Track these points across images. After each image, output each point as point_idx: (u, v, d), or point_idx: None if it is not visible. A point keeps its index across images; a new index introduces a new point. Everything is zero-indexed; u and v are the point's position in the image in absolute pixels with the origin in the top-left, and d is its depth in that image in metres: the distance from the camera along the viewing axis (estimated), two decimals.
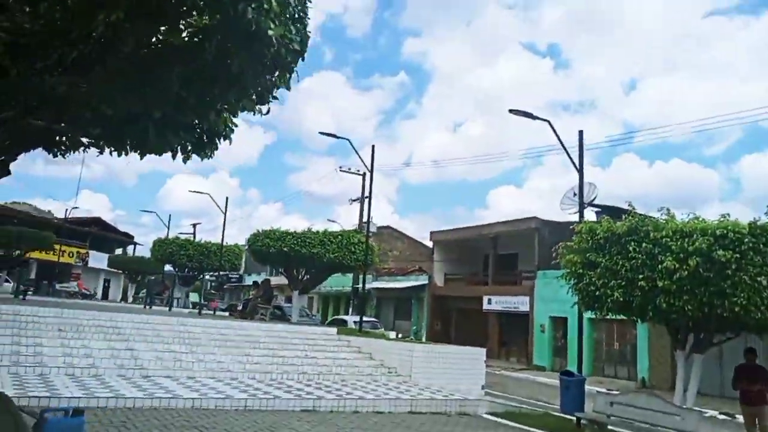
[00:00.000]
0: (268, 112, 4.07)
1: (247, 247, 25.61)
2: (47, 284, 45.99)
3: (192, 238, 42.40)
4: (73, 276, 54.43)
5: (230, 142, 4.36)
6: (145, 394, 9.33)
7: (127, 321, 14.55)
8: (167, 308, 25.86)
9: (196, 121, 3.72)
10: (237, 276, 57.38)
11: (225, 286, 59.65)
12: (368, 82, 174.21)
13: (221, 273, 54.15)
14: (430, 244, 38.25)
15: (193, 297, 33.08)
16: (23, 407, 4.56)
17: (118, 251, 62.19)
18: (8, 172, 4.74)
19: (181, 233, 47.30)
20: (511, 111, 15.52)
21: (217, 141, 4.23)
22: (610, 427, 9.93)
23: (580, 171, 14.84)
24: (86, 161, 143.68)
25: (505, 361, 28.64)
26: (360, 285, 23.25)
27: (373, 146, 21.43)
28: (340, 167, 35.58)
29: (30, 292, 40.95)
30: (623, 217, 10.82)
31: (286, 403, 10.26)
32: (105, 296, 57.94)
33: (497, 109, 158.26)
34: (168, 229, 39.89)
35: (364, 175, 32.63)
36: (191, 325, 15.61)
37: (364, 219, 28.06)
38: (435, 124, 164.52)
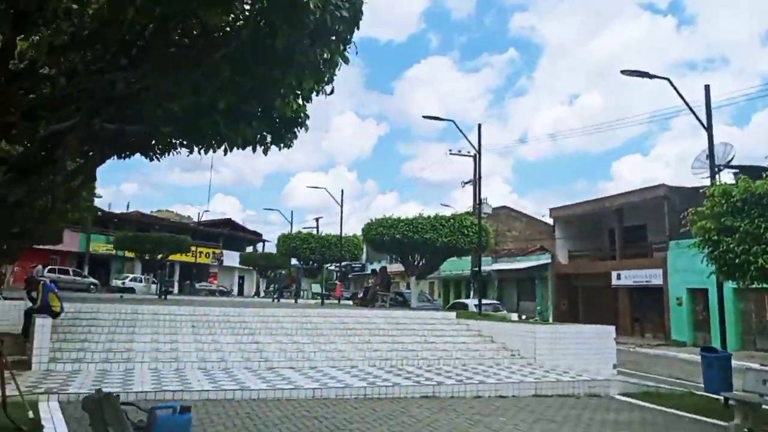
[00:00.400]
0: (332, 92, 3.91)
1: (362, 237, 26.04)
2: (189, 284, 49.92)
3: (315, 232, 44.09)
4: (211, 275, 58.63)
5: (306, 129, 4.27)
6: (268, 386, 9.67)
7: (254, 315, 15.23)
8: (294, 300, 26.93)
9: (265, 110, 3.63)
10: (360, 265, 58.86)
11: (349, 276, 61.38)
12: (475, 63, 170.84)
13: (344, 263, 56.02)
14: (550, 221, 36.84)
15: (317, 288, 34.32)
16: (137, 403, 4.80)
17: (249, 249, 66.03)
18: (94, 178, 4.99)
19: (305, 228, 49.35)
20: (623, 72, 14.37)
21: (296, 130, 4.15)
22: (765, 407, 8.86)
23: (709, 129, 13.41)
24: (216, 166, 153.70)
25: (639, 338, 26.98)
26: (478, 268, 22.81)
27: (479, 125, 20.89)
28: (450, 151, 35.23)
29: (171, 292, 44.75)
30: (764, 176, 9.60)
31: (405, 389, 10.22)
32: (240, 292, 61.89)
33: (614, 77, 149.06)
34: (291, 224, 41.75)
35: (474, 156, 32.01)
36: (313, 315, 16.06)
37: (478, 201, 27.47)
38: (548, 99, 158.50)
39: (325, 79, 3.52)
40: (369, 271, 54.13)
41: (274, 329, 14.24)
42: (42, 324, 10.53)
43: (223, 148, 4.23)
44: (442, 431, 7.85)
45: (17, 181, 3.64)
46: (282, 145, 4.21)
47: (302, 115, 4.01)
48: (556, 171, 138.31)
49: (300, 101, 3.50)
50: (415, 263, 22.94)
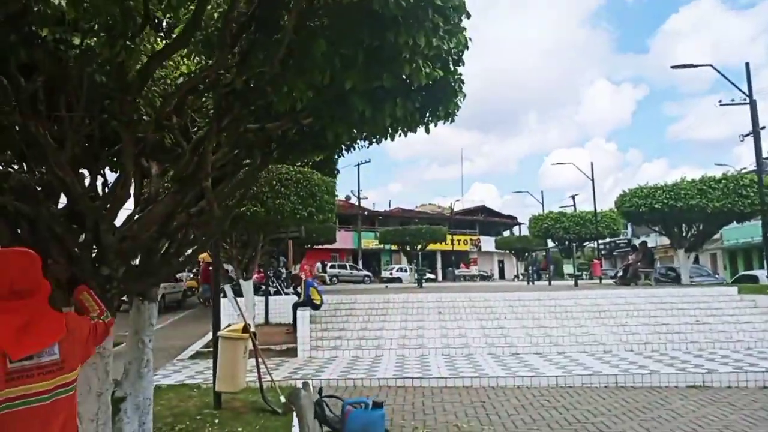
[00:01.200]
0: (465, 46, 3.40)
1: (615, 209, 23.87)
2: (450, 270, 51.81)
3: (573, 210, 42.11)
4: (472, 260, 60.03)
5: (464, 97, 3.81)
6: (507, 373, 9.30)
7: (500, 300, 14.93)
8: (548, 283, 25.96)
9: (402, 84, 3.30)
10: (626, 240, 54.55)
11: (615, 253, 57.31)
12: None
13: (608, 240, 52.41)
14: None
15: (569, 269, 32.59)
16: (337, 397, 4.88)
17: (506, 233, 66.00)
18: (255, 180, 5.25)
19: (562, 207, 47.46)
20: None
21: (455, 100, 3.74)
22: None
23: None
24: (471, 157, 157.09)
25: None
26: (765, 232, 19.12)
27: (747, 64, 17.55)
28: (720, 102, 30.30)
29: (434, 279, 46.82)
30: None
31: (666, 378, 8.96)
32: (501, 276, 62.23)
33: None
34: (543, 205, 40.58)
35: (751, 103, 27.05)
36: (563, 298, 15.13)
37: (763, 155, 23.12)
38: None
39: (444, 36, 3.06)
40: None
41: (520, 313, 13.77)
42: (302, 316, 11.71)
43: (399, 133, 4.02)
44: (710, 430, 6.61)
45: (179, 192, 3.86)
46: (442, 119, 3.83)
47: (453, 79, 3.57)
48: None
49: (430, 65, 3.09)
50: (683, 234, 20.19)
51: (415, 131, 4.01)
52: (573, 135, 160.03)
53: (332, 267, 45.73)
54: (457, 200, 63.35)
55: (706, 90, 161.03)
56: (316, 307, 13.35)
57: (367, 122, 3.55)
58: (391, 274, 44.96)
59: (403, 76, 3.25)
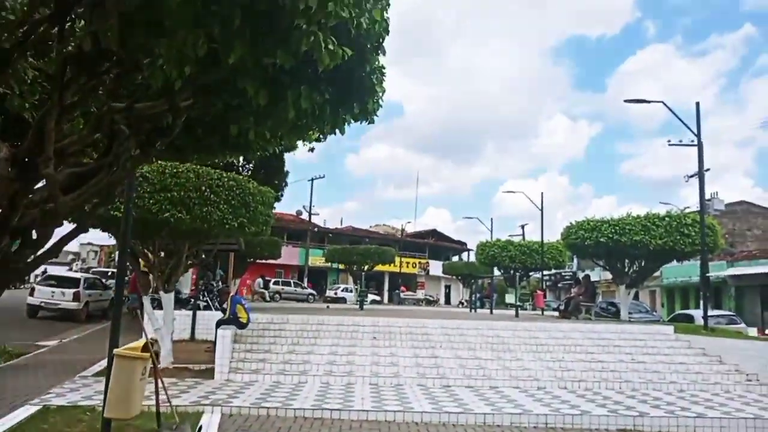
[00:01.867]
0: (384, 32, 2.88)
1: (561, 241, 23.86)
2: (396, 293, 51.33)
3: (522, 239, 42.25)
4: (419, 285, 59.77)
5: (383, 92, 3.31)
6: (434, 408, 8.73)
7: (438, 327, 14.43)
8: (489, 311, 25.71)
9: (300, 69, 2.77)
10: (570, 273, 55.25)
11: (559, 285, 58.05)
12: (702, 46, 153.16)
13: (554, 272, 52.93)
14: None
15: (511, 298, 32.53)
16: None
17: (455, 259, 66.11)
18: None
19: (511, 235, 47.71)
20: None
21: (375, 97, 3.23)
22: None
23: None
24: (428, 181, 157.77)
25: None
26: (704, 273, 19.33)
27: (697, 104, 17.80)
28: (668, 141, 30.99)
29: (379, 302, 46.18)
30: None
31: (597, 420, 8.56)
32: (447, 301, 62.15)
33: None
34: (491, 232, 40.45)
35: (698, 144, 27.71)
36: (502, 328, 14.75)
37: (706, 197, 23.58)
38: None
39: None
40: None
41: (456, 342, 13.28)
42: (223, 335, 10.90)
43: (313, 132, 3.48)
44: None
45: (18, 179, 3.17)
46: (359, 117, 3.31)
47: (371, 68, 3.05)
48: None
49: (334, 41, 2.55)
50: (625, 269, 20.25)
51: (327, 131, 3.44)
52: (528, 166, 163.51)
53: (275, 283, 44.52)
54: (408, 222, 63.18)
55: (657, 130, 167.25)
56: (242, 326, 12.54)
57: (267, 113, 2.97)
58: (335, 293, 44.10)
59: (303, 57, 2.68)
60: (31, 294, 21.96)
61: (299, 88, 2.97)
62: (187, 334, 16.27)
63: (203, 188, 10.54)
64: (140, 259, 12.02)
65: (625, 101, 18.03)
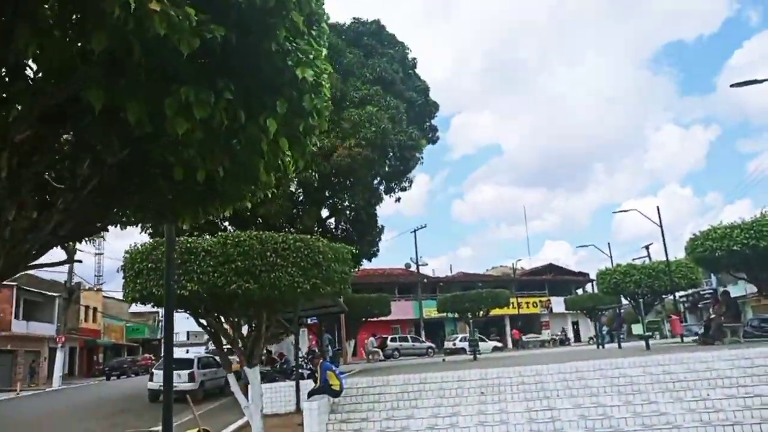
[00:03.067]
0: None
1: (686, 257, 21.14)
2: (521, 338, 48.62)
3: (648, 261, 38.72)
4: (543, 324, 56.47)
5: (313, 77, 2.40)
6: None
7: (554, 373, 12.77)
8: (617, 345, 23.13)
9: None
10: (711, 290, 49.83)
11: (699, 305, 52.54)
12: None
13: (692, 291, 47.95)
14: None
15: (638, 329, 29.19)
16: None
17: (580, 292, 62.10)
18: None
19: (635, 259, 44.08)
20: None
21: (309, 94, 2.35)
22: None
23: None
24: (540, 214, 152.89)
25: None
26: None
27: None
28: None
29: (501, 348, 43.84)
30: None
31: None
32: (578, 338, 58.06)
33: None
34: (611, 258, 37.48)
35: None
36: (629, 366, 12.79)
37: None
38: None
39: None
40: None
41: (575, 389, 11.60)
42: (309, 408, 10.12)
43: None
44: None
45: None
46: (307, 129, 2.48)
47: (290, 59, 2.19)
48: None
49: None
50: None
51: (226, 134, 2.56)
52: (644, 183, 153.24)
53: (392, 340, 43.75)
54: (519, 260, 60.10)
55: None
56: (335, 394, 11.74)
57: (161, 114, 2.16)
58: (453, 344, 42.40)
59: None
60: (151, 379, 22.52)
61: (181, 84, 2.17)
62: (293, 406, 15.72)
63: (268, 254, 9.99)
64: (221, 336, 11.61)
65: (732, 86, 15.81)
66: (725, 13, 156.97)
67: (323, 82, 2.71)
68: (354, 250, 12.90)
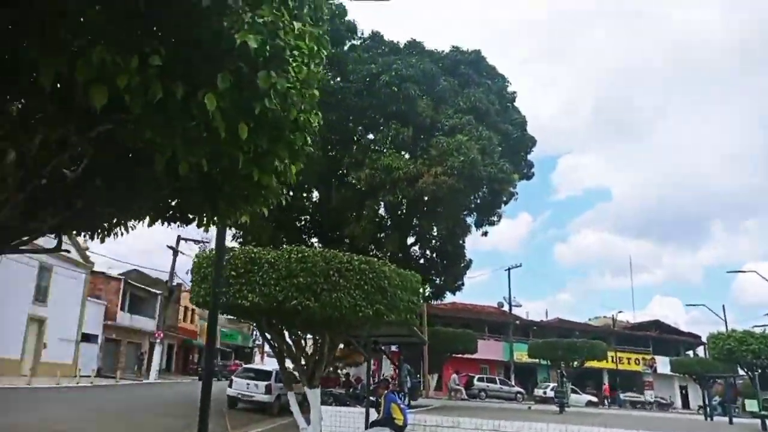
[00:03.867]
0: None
1: None
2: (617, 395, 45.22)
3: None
4: (646, 384, 52.22)
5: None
6: None
7: None
8: (728, 421, 20.61)
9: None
10: None
11: None
12: None
13: None
14: None
15: (752, 405, 25.72)
16: None
17: (690, 353, 57.00)
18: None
19: (755, 326, 39.82)
20: None
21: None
22: None
23: None
24: (646, 267, 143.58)
25: None
26: None
27: None
28: None
29: (596, 403, 40.88)
30: None
31: None
32: (685, 405, 53.14)
33: None
34: (725, 321, 34.02)
35: None
36: None
37: None
38: None
39: None
40: None
41: None
42: None
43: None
44: None
45: None
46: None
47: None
48: None
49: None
50: None
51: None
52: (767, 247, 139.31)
53: (480, 380, 42.14)
54: (620, 312, 55.93)
55: None
56: (398, 429, 11.15)
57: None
58: (544, 392, 40.08)
59: None
60: (230, 386, 22.94)
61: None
62: None
63: (331, 273, 9.69)
64: (284, 352, 11.42)
65: None
66: None
67: (298, 61, 2.32)
68: (436, 280, 12.36)
